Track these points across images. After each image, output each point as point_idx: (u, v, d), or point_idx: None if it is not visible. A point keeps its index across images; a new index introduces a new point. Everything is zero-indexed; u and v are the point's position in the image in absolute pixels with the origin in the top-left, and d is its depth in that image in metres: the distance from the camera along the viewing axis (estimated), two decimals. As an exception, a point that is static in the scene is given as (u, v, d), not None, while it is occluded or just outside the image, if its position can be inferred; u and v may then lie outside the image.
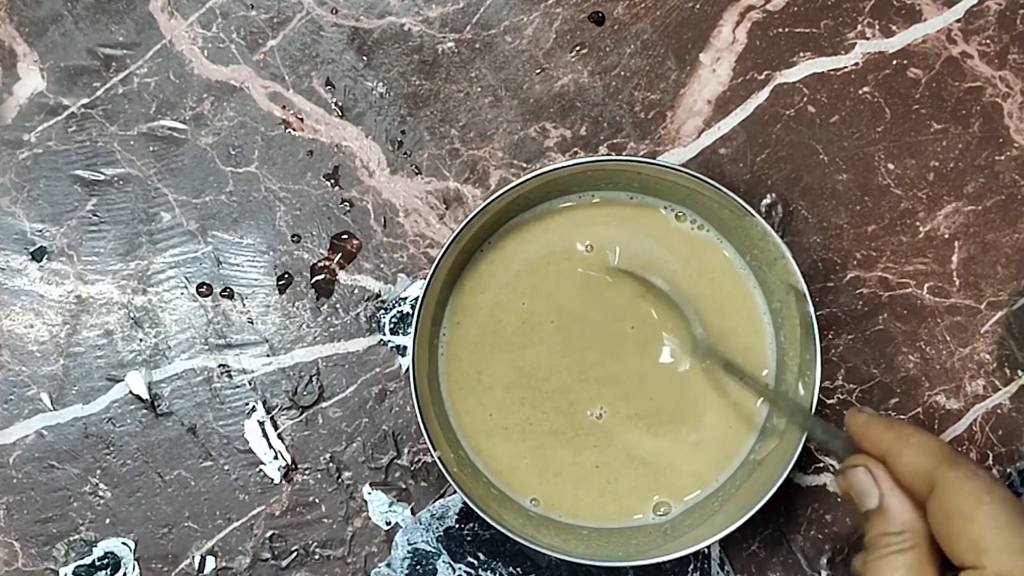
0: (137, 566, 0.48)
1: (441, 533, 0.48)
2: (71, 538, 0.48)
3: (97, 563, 0.48)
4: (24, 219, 0.50)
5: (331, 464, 0.49)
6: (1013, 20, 0.50)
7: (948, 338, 0.49)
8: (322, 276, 0.50)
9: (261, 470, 0.49)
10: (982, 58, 0.50)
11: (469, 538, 0.48)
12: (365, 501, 0.49)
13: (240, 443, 0.49)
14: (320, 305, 0.50)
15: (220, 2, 0.51)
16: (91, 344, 0.49)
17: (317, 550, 0.48)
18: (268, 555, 0.48)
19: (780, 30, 0.50)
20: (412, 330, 0.44)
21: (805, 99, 0.50)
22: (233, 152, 0.50)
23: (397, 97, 0.51)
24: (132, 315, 0.50)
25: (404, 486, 0.49)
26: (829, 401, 0.49)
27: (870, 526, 0.36)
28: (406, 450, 0.49)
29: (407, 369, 0.48)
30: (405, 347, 0.49)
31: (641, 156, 0.50)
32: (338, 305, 0.50)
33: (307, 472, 0.49)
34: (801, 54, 0.50)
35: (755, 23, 0.51)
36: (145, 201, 0.50)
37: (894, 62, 0.50)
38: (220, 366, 0.49)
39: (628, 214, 0.48)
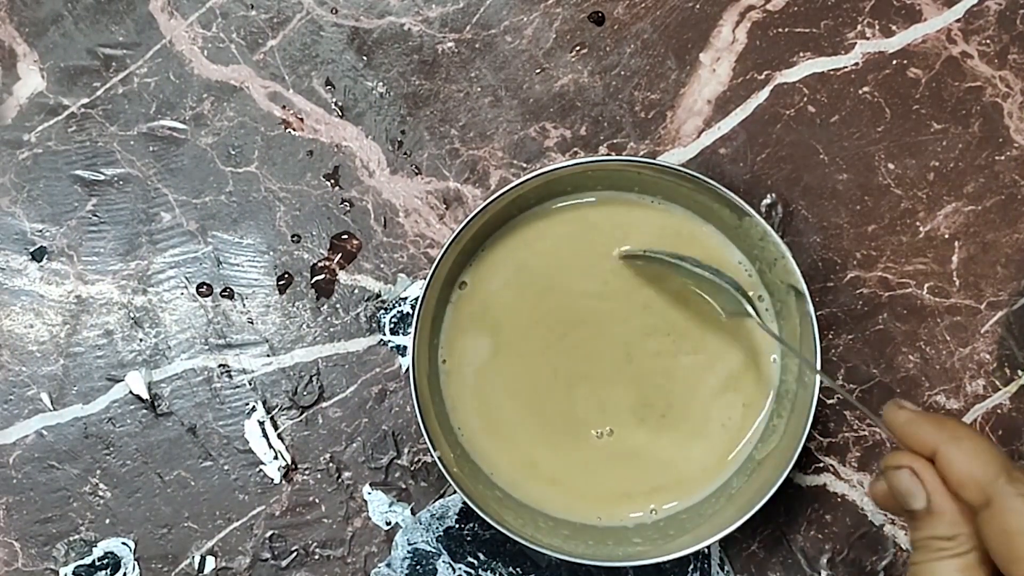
0: (137, 566, 0.48)
1: (441, 533, 0.48)
2: (71, 538, 0.48)
3: (97, 563, 0.48)
4: (24, 219, 0.50)
5: (331, 464, 0.49)
6: (1013, 20, 0.50)
7: (948, 338, 0.49)
8: (322, 276, 0.50)
9: (261, 470, 0.49)
10: (982, 58, 0.50)
11: (469, 538, 0.48)
12: (365, 501, 0.49)
13: (240, 443, 0.49)
14: (320, 305, 0.50)
15: (220, 2, 0.51)
16: (91, 344, 0.49)
17: (317, 550, 0.48)
18: (268, 555, 0.48)
19: (780, 30, 0.50)
20: (412, 330, 0.44)
21: (805, 99, 0.50)
22: (233, 152, 0.50)
23: (397, 97, 0.51)
24: (132, 315, 0.50)
25: (404, 486, 0.49)
26: (829, 401, 0.49)
27: (917, 526, 0.34)
28: (406, 450, 0.49)
29: (407, 369, 0.48)
30: (405, 347, 0.49)
31: (641, 156, 0.50)
32: (338, 305, 0.50)
33: (307, 472, 0.49)
34: (801, 54, 0.50)
35: (755, 23, 0.51)
36: (145, 201, 0.50)
37: (894, 62, 0.50)
38: (220, 366, 0.49)
39: (631, 213, 0.48)
